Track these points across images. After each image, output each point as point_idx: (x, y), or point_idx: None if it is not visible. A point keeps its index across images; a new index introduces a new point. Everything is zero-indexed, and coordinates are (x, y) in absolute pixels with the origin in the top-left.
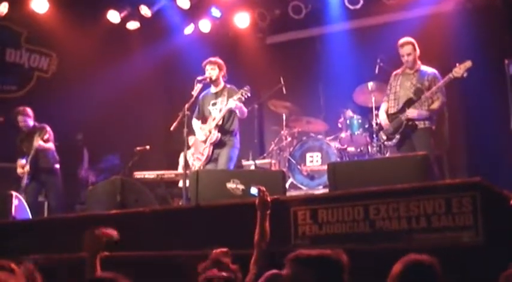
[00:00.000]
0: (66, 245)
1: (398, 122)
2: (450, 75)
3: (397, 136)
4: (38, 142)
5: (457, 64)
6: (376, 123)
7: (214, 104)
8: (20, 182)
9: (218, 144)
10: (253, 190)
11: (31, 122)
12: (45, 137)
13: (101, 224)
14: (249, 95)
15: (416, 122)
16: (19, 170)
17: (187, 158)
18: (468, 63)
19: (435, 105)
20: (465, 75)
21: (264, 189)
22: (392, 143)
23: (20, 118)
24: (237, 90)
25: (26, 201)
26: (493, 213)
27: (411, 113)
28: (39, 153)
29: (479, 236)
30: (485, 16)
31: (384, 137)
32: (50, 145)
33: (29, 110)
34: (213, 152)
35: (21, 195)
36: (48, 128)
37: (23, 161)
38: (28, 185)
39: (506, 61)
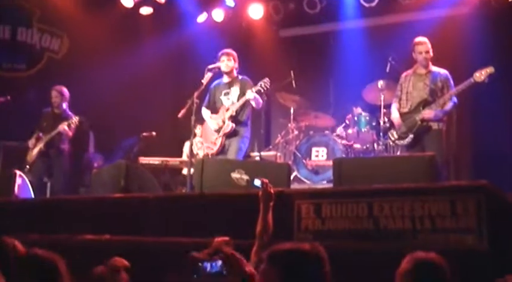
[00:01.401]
0: (68, 226)
1: (412, 121)
2: (471, 79)
3: (411, 135)
4: (63, 127)
5: (478, 69)
6: (384, 122)
7: (226, 94)
8: (26, 156)
9: (230, 135)
10: (257, 182)
11: (64, 105)
12: (72, 126)
13: (104, 207)
14: (268, 87)
15: (430, 123)
16: (32, 142)
17: (193, 146)
18: (490, 69)
19: (448, 106)
20: (486, 80)
21: (267, 181)
22: (405, 142)
23: (53, 93)
24: (250, 81)
25: (30, 181)
26: (497, 216)
27: (428, 113)
28: (58, 136)
29: (483, 239)
30: (501, 21)
31: (396, 136)
32: (70, 133)
33: (65, 91)
34: (224, 141)
35: (25, 170)
36: (78, 120)
37: (40, 134)
38: (34, 164)
39: None
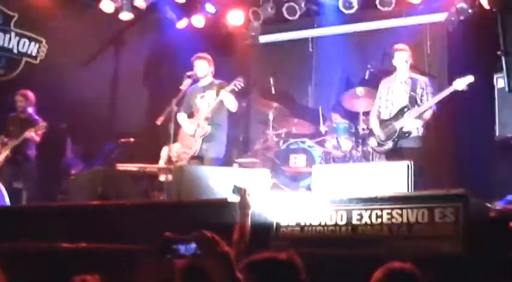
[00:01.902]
0: (45, 234)
1: (392, 129)
2: (451, 88)
3: (390, 143)
4: (30, 133)
5: (458, 78)
6: (363, 129)
7: (202, 97)
8: None
9: (206, 138)
10: (235, 189)
11: (30, 109)
12: (39, 132)
13: (82, 214)
14: (242, 85)
15: (410, 130)
16: None
17: (171, 153)
18: (470, 78)
19: (427, 114)
20: (465, 89)
21: (246, 188)
22: (385, 149)
23: (18, 98)
24: (227, 84)
25: None
26: (474, 225)
27: (407, 120)
28: (25, 142)
29: (460, 247)
30: (478, 29)
31: (375, 143)
32: (37, 139)
33: (30, 95)
34: (201, 145)
35: None
36: (45, 126)
37: (5, 140)
38: (1, 170)
39: (495, 75)
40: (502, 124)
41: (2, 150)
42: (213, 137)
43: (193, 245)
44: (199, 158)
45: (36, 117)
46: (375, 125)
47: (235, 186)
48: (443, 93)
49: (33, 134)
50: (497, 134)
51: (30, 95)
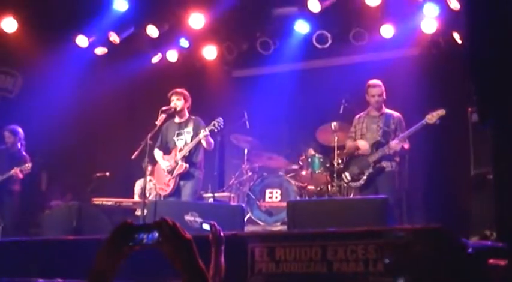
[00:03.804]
0: (19, 269)
1: (366, 163)
2: (423, 121)
3: (364, 177)
4: (16, 171)
5: (430, 111)
6: (338, 163)
7: (179, 135)
8: None
9: (184, 176)
10: (205, 225)
11: (18, 145)
12: (25, 171)
13: (56, 249)
14: (221, 126)
15: (383, 165)
16: None
17: (146, 187)
18: (442, 112)
19: (405, 145)
20: (438, 122)
21: (216, 223)
22: (359, 184)
23: (6, 134)
24: (202, 122)
25: None
26: (450, 259)
27: (395, 145)
28: (11, 178)
29: None
30: (451, 62)
31: (349, 178)
32: (21, 176)
33: (16, 131)
34: (178, 183)
35: None
36: (30, 166)
37: None
38: None
39: (469, 109)
40: (477, 159)
41: None
42: (190, 175)
43: (155, 234)
44: (176, 195)
45: (24, 153)
46: (363, 144)
47: (204, 223)
48: (415, 127)
49: (18, 172)
50: (472, 168)
51: (17, 130)
